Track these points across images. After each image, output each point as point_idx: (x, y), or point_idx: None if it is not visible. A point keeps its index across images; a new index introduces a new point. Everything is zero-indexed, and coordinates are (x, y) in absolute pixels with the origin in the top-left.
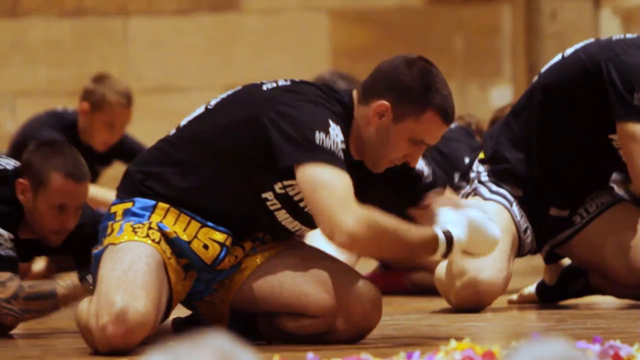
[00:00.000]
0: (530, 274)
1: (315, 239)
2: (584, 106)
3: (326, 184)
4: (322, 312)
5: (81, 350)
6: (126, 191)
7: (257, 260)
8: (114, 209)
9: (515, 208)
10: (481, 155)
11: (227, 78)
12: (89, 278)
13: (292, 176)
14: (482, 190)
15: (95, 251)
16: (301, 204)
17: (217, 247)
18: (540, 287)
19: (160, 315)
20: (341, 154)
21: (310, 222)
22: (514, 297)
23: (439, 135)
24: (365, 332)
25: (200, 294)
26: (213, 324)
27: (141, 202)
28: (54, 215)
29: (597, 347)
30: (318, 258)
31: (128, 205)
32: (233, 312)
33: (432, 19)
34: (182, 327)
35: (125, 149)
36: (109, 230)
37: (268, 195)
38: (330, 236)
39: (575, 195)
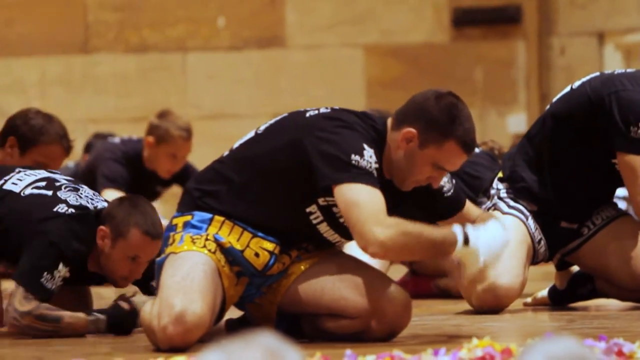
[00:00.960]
0: (543, 280)
1: (352, 248)
2: (589, 133)
3: (359, 201)
4: (358, 313)
5: (145, 347)
6: (186, 206)
7: (302, 267)
8: (175, 221)
9: (530, 221)
10: (500, 174)
11: (273, 106)
12: (98, 316)
13: (332, 194)
14: (501, 205)
15: (157, 259)
16: (340, 219)
17: (267, 255)
18: (552, 291)
19: (215, 316)
20: (374, 172)
21: (348, 235)
22: (529, 300)
23: (459, 164)
24: (396, 332)
25: (251, 296)
26: (262, 324)
27: (199, 215)
28: (126, 265)
29: (602, 345)
30: (355, 266)
31: (187, 218)
32: (280, 313)
33: (455, 54)
34: (234, 327)
35: (185, 176)
36: (170, 240)
37: (312, 208)
38: (364, 248)
39: (584, 211)
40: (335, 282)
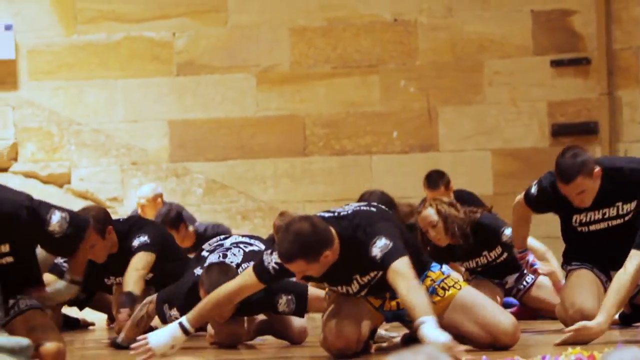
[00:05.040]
0: None
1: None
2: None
3: None
4: (483, 340)
5: (317, 357)
6: None
7: (442, 305)
8: None
9: (596, 270)
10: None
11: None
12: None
13: None
14: (573, 266)
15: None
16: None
17: (379, 301)
18: (622, 314)
19: (367, 327)
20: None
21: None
22: None
23: None
24: (510, 346)
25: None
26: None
27: None
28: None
29: None
30: (477, 302)
31: None
32: None
33: (553, 156)
34: (409, 342)
35: None
36: None
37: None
38: None
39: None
40: (464, 319)
